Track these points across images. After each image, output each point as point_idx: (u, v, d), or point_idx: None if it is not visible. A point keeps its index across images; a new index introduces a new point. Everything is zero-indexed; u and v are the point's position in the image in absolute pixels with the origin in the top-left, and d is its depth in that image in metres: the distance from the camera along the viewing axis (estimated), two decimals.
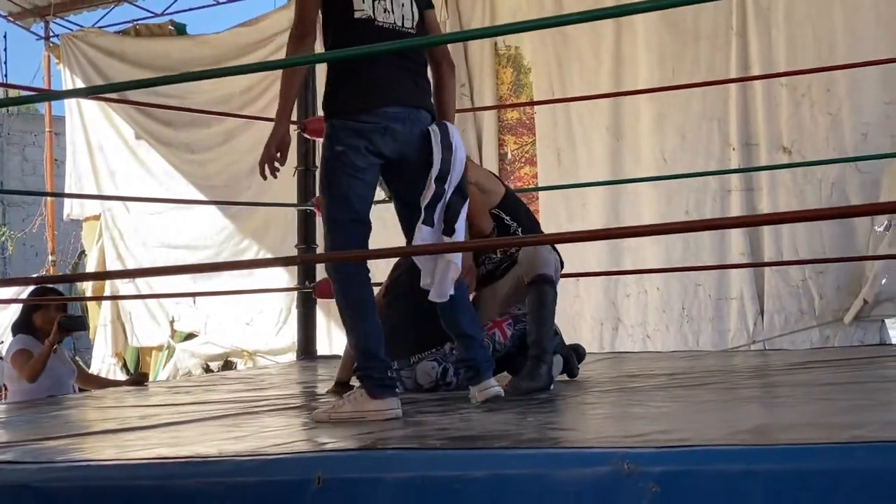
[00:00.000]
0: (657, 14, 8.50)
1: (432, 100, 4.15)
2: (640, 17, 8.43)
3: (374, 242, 4.10)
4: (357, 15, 3.94)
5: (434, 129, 4.01)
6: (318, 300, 7.76)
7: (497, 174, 7.63)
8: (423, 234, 3.94)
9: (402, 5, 4.05)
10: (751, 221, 7.63)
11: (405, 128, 3.98)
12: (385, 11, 3.98)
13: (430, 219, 3.95)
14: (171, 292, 10.94)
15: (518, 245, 4.84)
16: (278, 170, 3.94)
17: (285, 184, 8.47)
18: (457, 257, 4.01)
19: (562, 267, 4.88)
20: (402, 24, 4.04)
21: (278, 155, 3.91)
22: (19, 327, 6.36)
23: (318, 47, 4.24)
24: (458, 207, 4.02)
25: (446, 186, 3.98)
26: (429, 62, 4.18)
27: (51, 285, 7.17)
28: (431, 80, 4.20)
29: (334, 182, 3.95)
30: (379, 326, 3.92)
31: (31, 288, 6.96)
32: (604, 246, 8.89)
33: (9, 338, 11.95)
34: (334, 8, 4.00)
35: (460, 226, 4.01)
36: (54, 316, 6.26)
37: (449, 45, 9.74)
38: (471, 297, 4.59)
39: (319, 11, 4.03)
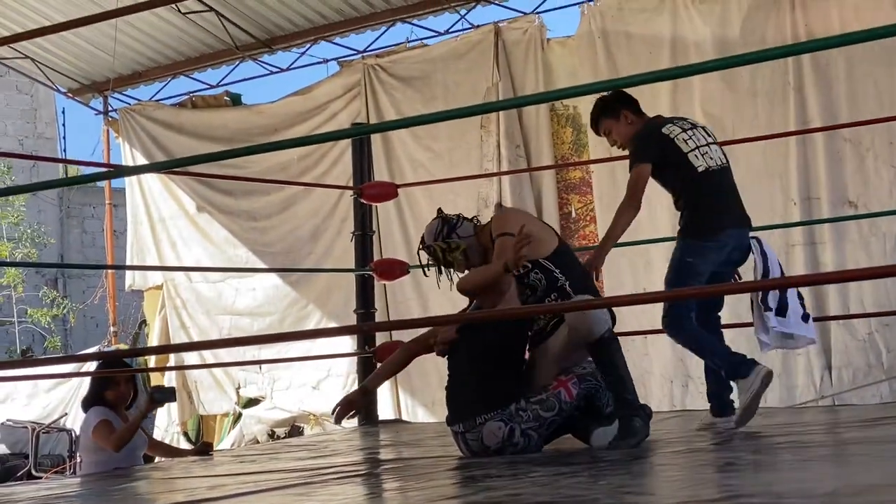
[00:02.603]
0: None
1: None
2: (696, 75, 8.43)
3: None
4: (700, 169, 5.11)
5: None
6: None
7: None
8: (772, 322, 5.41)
9: (714, 149, 5.23)
10: (814, 280, 7.53)
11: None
12: (712, 159, 5.17)
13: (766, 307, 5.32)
14: (236, 361, 10.99)
15: (569, 310, 4.77)
16: None
17: (346, 249, 8.53)
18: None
19: (614, 323, 4.82)
20: (719, 163, 5.20)
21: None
22: (91, 402, 6.37)
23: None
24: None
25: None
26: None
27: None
28: None
29: None
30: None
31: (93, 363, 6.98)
32: None
33: (73, 411, 12.06)
34: (678, 170, 5.13)
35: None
36: (125, 390, 6.28)
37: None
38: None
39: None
